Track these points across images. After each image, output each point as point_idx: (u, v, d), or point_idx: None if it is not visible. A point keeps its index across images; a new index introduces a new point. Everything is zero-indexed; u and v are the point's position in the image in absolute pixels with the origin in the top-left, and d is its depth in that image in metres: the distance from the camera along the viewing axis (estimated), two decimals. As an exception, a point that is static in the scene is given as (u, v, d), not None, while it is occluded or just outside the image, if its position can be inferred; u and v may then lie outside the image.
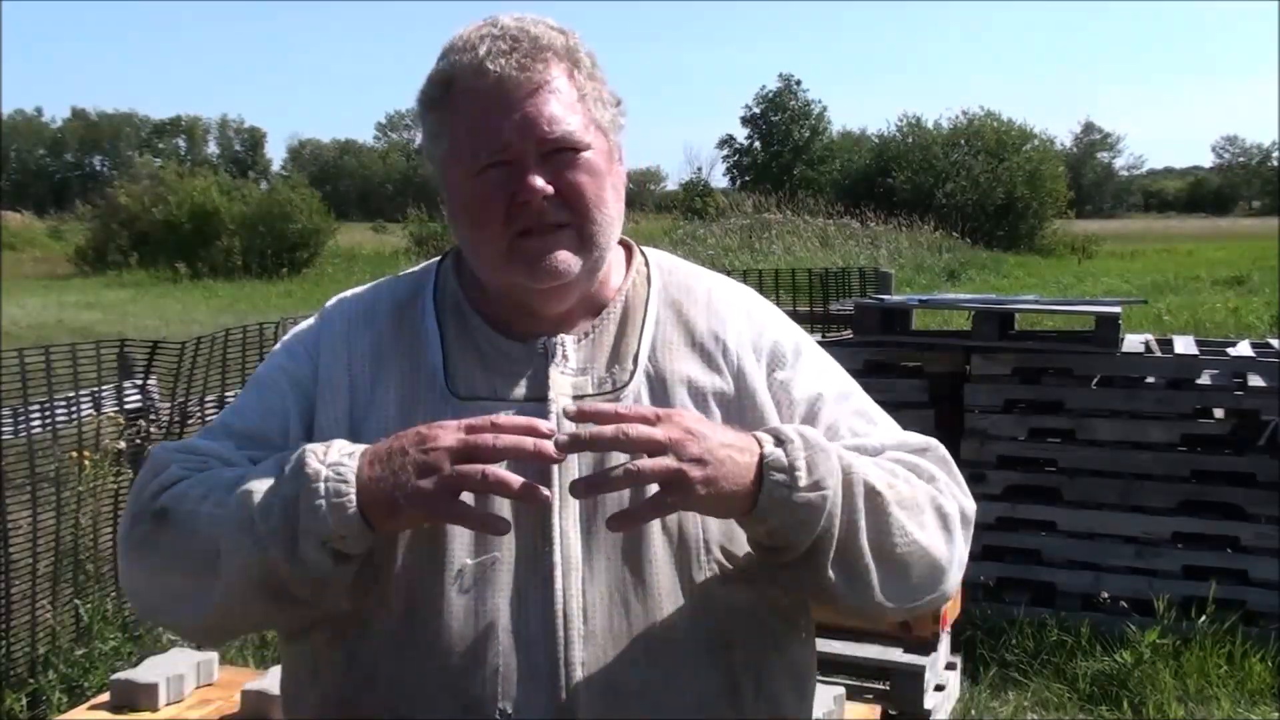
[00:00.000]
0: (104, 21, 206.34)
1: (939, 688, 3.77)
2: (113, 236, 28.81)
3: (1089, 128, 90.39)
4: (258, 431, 1.34)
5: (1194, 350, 5.05)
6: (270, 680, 2.75)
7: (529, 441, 1.14)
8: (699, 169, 54.60)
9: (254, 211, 28.47)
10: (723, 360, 1.35)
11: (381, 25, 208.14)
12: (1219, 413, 4.82)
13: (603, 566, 1.25)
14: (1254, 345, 5.36)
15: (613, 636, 1.24)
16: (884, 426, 1.42)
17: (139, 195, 29.59)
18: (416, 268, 1.47)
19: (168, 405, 4.64)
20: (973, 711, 4.15)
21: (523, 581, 1.24)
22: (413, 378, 1.33)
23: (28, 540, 4.05)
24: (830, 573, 1.22)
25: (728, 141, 59.86)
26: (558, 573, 1.24)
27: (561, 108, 1.28)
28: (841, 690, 3.08)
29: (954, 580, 1.33)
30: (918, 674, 3.57)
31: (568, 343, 1.33)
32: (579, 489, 1.17)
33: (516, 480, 1.14)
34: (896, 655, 3.61)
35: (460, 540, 1.25)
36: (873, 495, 1.24)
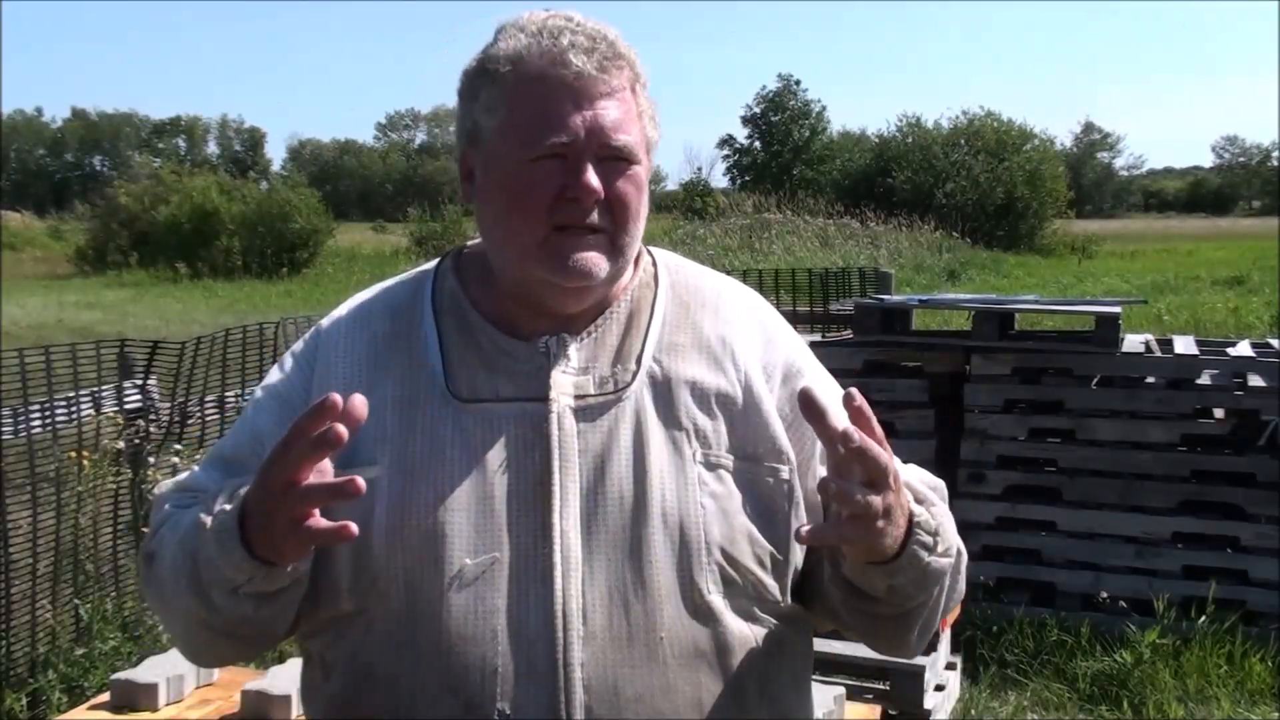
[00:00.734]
0: (104, 21, 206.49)
1: (939, 688, 3.77)
2: (113, 236, 28.82)
3: (1089, 128, 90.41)
4: (240, 455, 1.36)
5: (1194, 350, 5.05)
6: (270, 680, 2.75)
7: (334, 490, 1.12)
8: (699, 169, 54.52)
9: (254, 211, 28.47)
10: (730, 365, 1.35)
11: (381, 25, 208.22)
12: (1219, 413, 4.83)
13: (603, 567, 1.25)
14: (1254, 345, 5.37)
15: (612, 637, 1.23)
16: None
17: (139, 195, 29.61)
18: (412, 271, 1.46)
19: (168, 405, 4.64)
20: (973, 711, 4.15)
21: (522, 581, 1.24)
22: (411, 380, 1.32)
23: (28, 540, 4.05)
24: (914, 631, 1.32)
25: (728, 141, 59.86)
26: (557, 573, 1.23)
27: (626, 118, 1.28)
28: (841, 690, 3.08)
29: None
30: (918, 674, 3.57)
31: (570, 342, 1.32)
32: (803, 535, 1.17)
33: (325, 484, 1.14)
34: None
35: (460, 540, 1.24)
36: (959, 558, 1.32)
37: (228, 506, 1.20)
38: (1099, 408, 4.85)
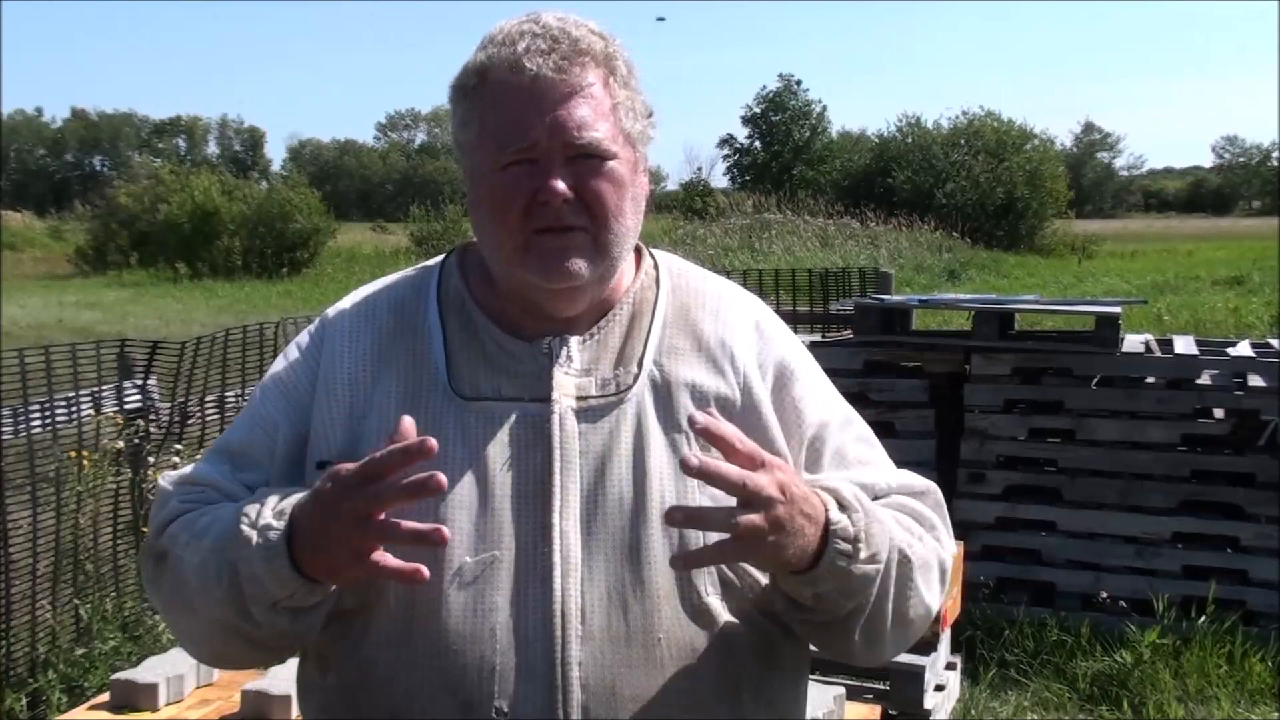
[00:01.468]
0: (104, 21, 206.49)
1: (939, 688, 3.77)
2: (113, 236, 28.82)
3: (1089, 128, 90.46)
4: (247, 448, 1.36)
5: (1194, 350, 5.05)
6: (270, 680, 2.75)
7: (412, 489, 1.12)
8: (699, 169, 54.44)
9: (254, 211, 28.47)
10: (730, 368, 1.35)
11: (381, 25, 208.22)
12: (1219, 413, 4.83)
13: (602, 567, 1.25)
14: (1254, 345, 5.37)
15: (610, 637, 1.24)
16: (880, 453, 1.43)
17: (139, 195, 29.60)
18: (417, 266, 1.47)
19: (168, 405, 4.64)
20: (973, 711, 4.15)
21: (522, 581, 1.24)
22: (415, 376, 1.32)
23: (28, 540, 4.05)
24: (856, 636, 1.28)
25: (728, 141, 59.77)
26: (556, 572, 1.24)
27: (593, 114, 1.27)
28: (841, 690, 3.08)
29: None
30: (918, 674, 3.57)
31: (572, 343, 1.33)
32: (676, 517, 1.16)
33: (406, 528, 1.14)
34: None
35: (460, 538, 1.25)
36: (904, 564, 1.29)
37: (274, 523, 1.19)
38: (1099, 408, 4.85)
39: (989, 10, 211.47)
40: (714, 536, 1.26)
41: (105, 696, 2.87)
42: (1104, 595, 4.75)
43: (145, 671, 2.88)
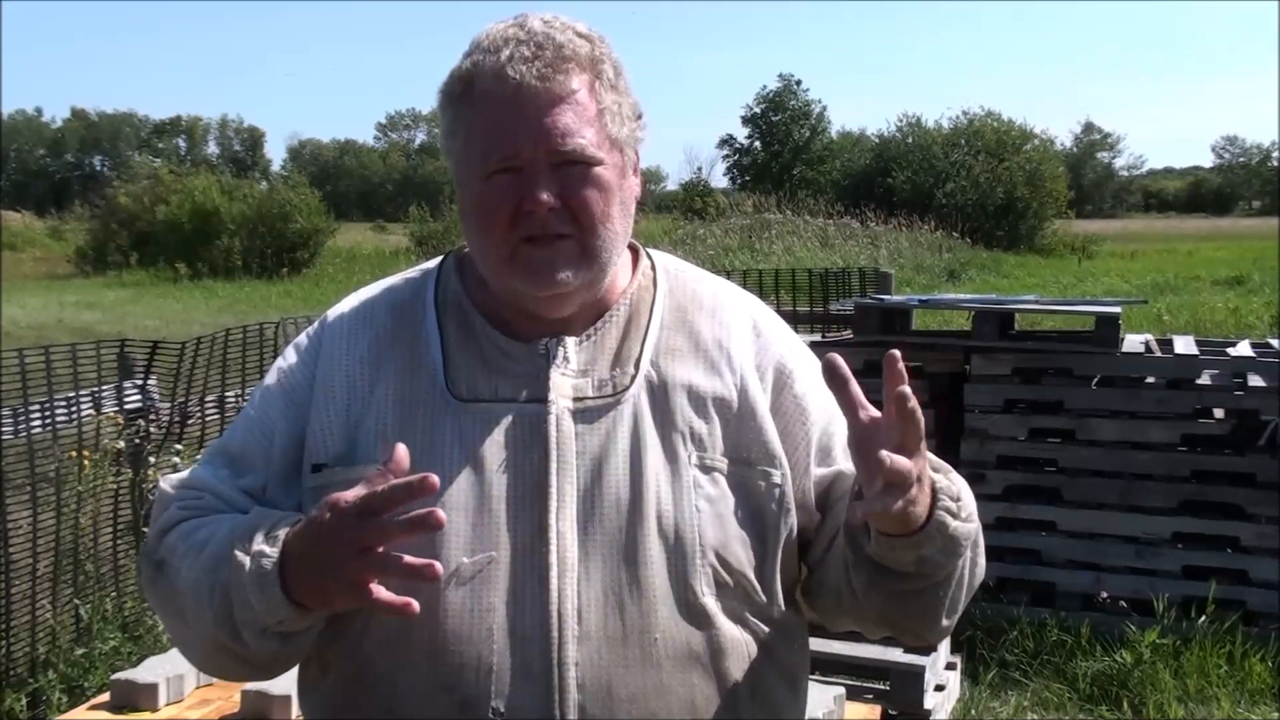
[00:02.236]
0: (104, 21, 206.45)
1: (939, 688, 3.77)
2: (113, 236, 28.83)
3: (1089, 128, 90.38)
4: (246, 450, 1.36)
5: (1194, 350, 5.05)
6: (270, 680, 2.75)
7: (414, 524, 1.12)
8: (699, 169, 54.62)
9: (254, 211, 28.48)
10: (727, 369, 1.35)
11: (381, 25, 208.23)
12: (1219, 413, 4.82)
13: (598, 568, 1.25)
14: (1254, 345, 5.37)
15: (607, 637, 1.24)
16: None
17: (139, 195, 29.61)
18: (416, 268, 1.47)
19: (168, 405, 4.64)
20: (973, 711, 4.15)
21: (519, 581, 1.24)
22: (412, 378, 1.32)
23: (28, 540, 4.05)
24: (945, 604, 1.29)
25: (728, 141, 59.81)
26: (553, 573, 1.24)
27: (577, 121, 1.27)
28: (841, 690, 3.08)
29: None
30: (918, 674, 3.57)
31: (569, 344, 1.33)
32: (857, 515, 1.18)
33: (404, 563, 1.14)
34: (896, 655, 3.60)
35: (458, 539, 1.25)
36: (979, 533, 1.31)
37: (267, 549, 1.19)
38: (1099, 408, 4.85)
39: (989, 10, 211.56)
40: (709, 534, 1.28)
41: (105, 696, 2.87)
42: (1104, 595, 4.74)
43: (145, 671, 2.88)
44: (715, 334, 1.38)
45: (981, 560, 1.34)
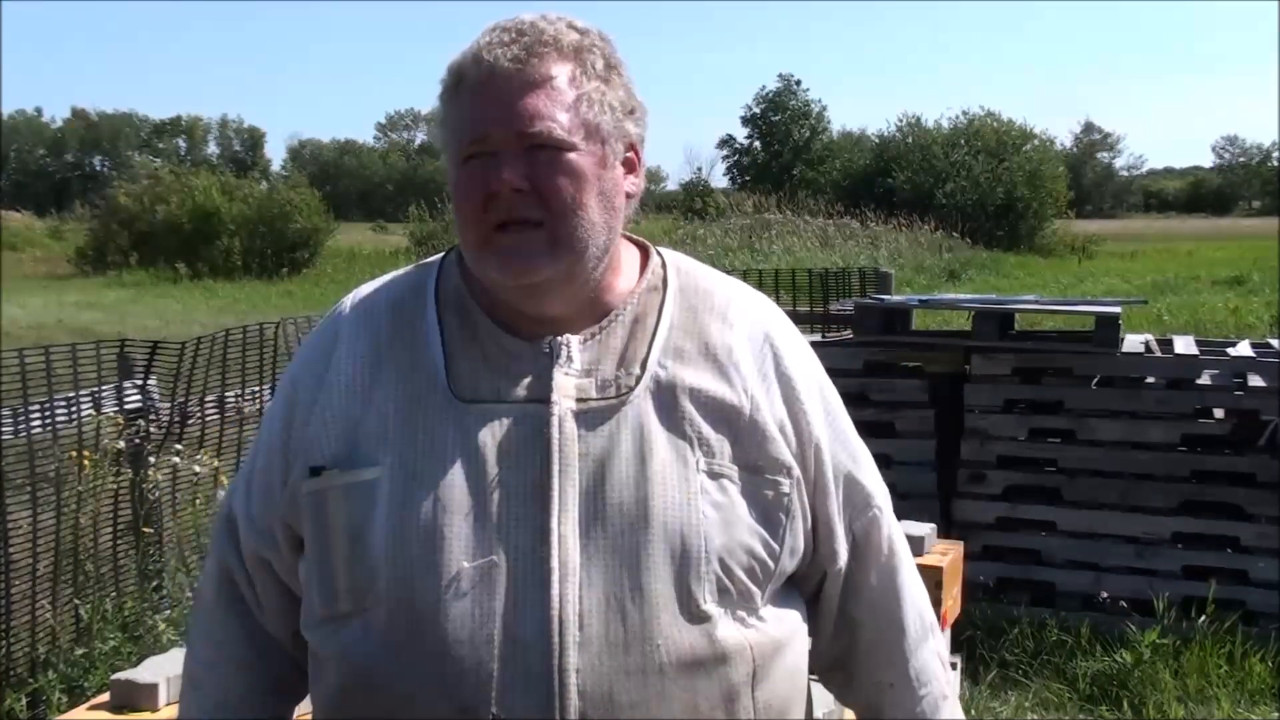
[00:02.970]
0: (104, 21, 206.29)
1: (939, 688, 3.76)
2: (113, 236, 28.77)
3: (1089, 128, 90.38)
4: (261, 471, 1.40)
5: (1194, 350, 5.05)
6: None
7: None
8: (699, 169, 54.37)
9: (254, 211, 28.45)
10: (736, 375, 1.33)
11: (381, 25, 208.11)
12: (1219, 413, 4.83)
13: (600, 573, 1.23)
14: (1254, 345, 5.37)
15: (608, 644, 1.22)
16: (865, 458, 1.44)
17: (139, 195, 29.57)
18: (417, 264, 1.45)
19: (168, 405, 4.64)
20: (973, 711, 4.15)
21: (520, 586, 1.23)
22: (413, 378, 1.31)
23: (28, 540, 4.05)
24: None
25: (728, 141, 59.76)
26: (554, 578, 1.22)
27: (550, 105, 1.25)
28: (841, 690, 3.07)
29: None
30: (918, 674, 3.57)
31: (573, 343, 1.31)
32: None
33: None
34: (896, 655, 3.61)
35: (459, 543, 1.24)
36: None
37: None
38: (1099, 408, 4.85)
39: (989, 10, 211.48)
40: (715, 540, 1.26)
41: (105, 696, 2.86)
42: (1104, 595, 4.74)
43: (145, 671, 2.87)
44: (725, 339, 1.35)
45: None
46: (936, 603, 2.23)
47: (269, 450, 1.39)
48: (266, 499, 1.38)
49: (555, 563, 1.23)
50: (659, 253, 1.42)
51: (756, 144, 57.66)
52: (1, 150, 79.99)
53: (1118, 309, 5.10)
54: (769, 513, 1.30)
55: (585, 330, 1.33)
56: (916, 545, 2.93)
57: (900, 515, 1.52)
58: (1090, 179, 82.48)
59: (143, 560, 4.45)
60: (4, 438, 3.96)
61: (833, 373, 1.48)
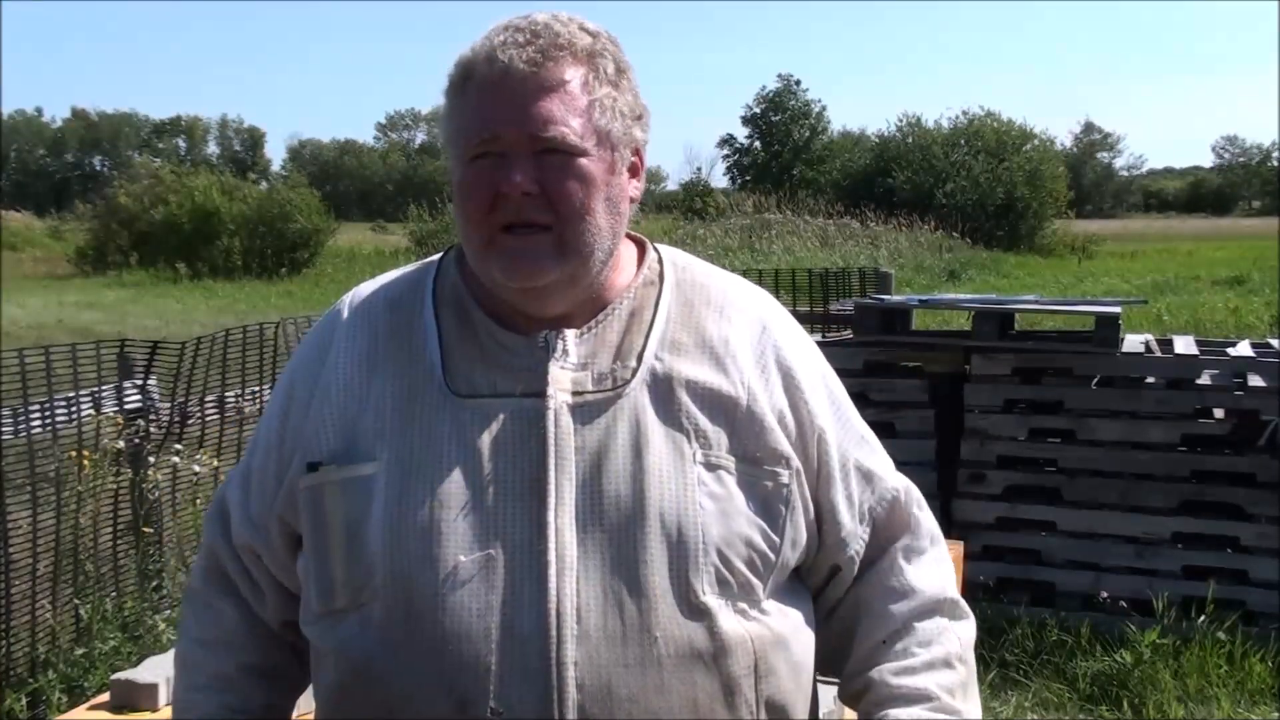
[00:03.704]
0: (104, 21, 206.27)
1: (939, 688, 3.76)
2: (113, 236, 28.78)
3: (1089, 128, 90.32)
4: (259, 469, 1.40)
5: (1194, 350, 5.05)
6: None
7: None
8: (699, 169, 54.50)
9: (254, 211, 28.45)
10: (733, 367, 1.33)
11: (381, 25, 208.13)
12: (1219, 413, 4.83)
13: (598, 566, 1.24)
14: (1254, 345, 5.37)
15: (606, 637, 1.22)
16: (877, 449, 1.44)
17: (139, 195, 29.57)
18: (416, 263, 1.46)
19: (168, 405, 4.64)
20: (973, 711, 4.14)
21: (517, 579, 1.23)
22: (410, 374, 1.32)
23: (28, 540, 4.05)
24: None
25: (728, 141, 59.74)
26: (551, 571, 1.23)
27: (563, 110, 1.26)
28: (841, 690, 3.07)
29: None
30: (918, 674, 3.57)
31: (569, 337, 1.31)
32: None
33: None
34: (896, 655, 3.61)
35: (456, 537, 1.24)
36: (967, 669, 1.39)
37: None
38: (1099, 408, 4.85)
39: (989, 10, 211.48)
40: (713, 531, 1.26)
41: (105, 696, 2.86)
42: (1104, 595, 4.74)
43: (145, 671, 2.87)
44: (722, 331, 1.36)
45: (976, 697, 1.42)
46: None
47: (266, 447, 1.40)
48: (262, 495, 1.39)
49: (552, 556, 1.23)
50: (655, 248, 1.43)
51: (756, 144, 57.66)
52: (1, 150, 79.99)
53: (1118, 309, 5.10)
54: (768, 504, 1.30)
55: (581, 324, 1.33)
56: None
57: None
58: (1090, 179, 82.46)
59: (143, 560, 4.45)
60: (4, 438, 3.96)
61: (833, 373, 1.48)
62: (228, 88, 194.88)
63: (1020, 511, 4.86)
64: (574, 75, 1.27)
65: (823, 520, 1.36)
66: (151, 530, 4.52)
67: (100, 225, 29.84)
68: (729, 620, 1.27)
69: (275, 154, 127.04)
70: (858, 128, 54.02)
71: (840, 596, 1.41)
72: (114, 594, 4.33)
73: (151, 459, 4.51)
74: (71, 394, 4.21)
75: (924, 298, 6.63)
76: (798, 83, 57.44)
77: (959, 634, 1.39)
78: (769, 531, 1.30)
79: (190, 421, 4.70)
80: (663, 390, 1.30)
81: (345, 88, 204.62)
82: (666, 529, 1.25)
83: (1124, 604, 4.68)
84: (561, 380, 1.29)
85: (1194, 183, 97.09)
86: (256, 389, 4.98)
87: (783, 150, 54.87)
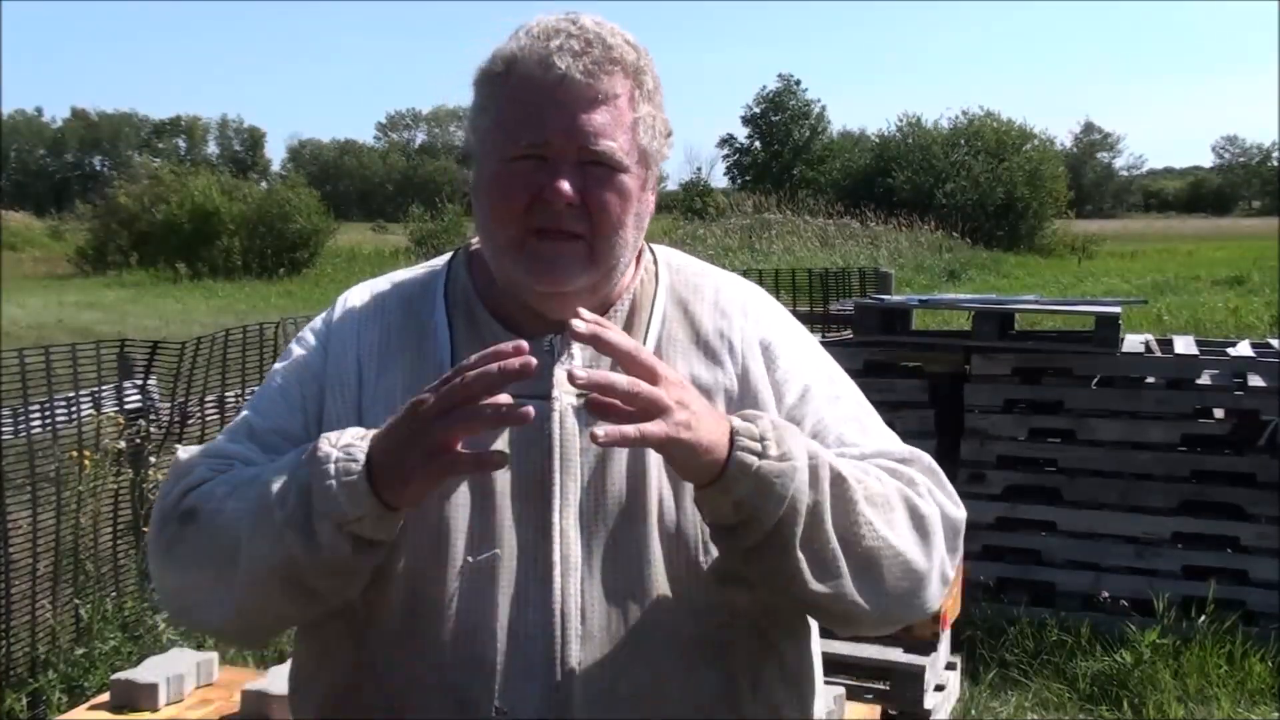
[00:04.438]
0: (104, 21, 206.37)
1: (939, 688, 3.77)
2: (113, 236, 28.79)
3: (1089, 128, 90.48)
4: (279, 429, 1.34)
5: (1194, 350, 5.05)
6: (270, 680, 2.75)
7: (494, 369, 1.12)
8: (699, 169, 54.37)
9: (254, 211, 28.46)
10: (728, 358, 1.35)
11: (381, 25, 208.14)
12: (1219, 413, 4.83)
13: (601, 566, 1.25)
14: (1254, 345, 5.37)
15: (610, 637, 1.24)
16: (877, 435, 1.39)
17: (139, 195, 29.57)
18: (427, 264, 1.47)
19: (168, 405, 4.64)
20: (973, 711, 4.15)
21: (522, 579, 1.24)
22: (420, 372, 1.32)
23: (28, 540, 4.05)
24: (799, 555, 1.18)
25: (728, 141, 59.79)
26: (556, 571, 1.24)
27: (612, 124, 1.27)
28: (841, 690, 3.08)
29: (934, 590, 1.30)
30: (918, 674, 3.57)
31: (574, 341, 1.32)
32: (597, 437, 1.11)
33: (493, 403, 1.12)
34: (896, 655, 3.61)
35: (462, 537, 1.25)
36: (839, 482, 1.21)
37: (357, 442, 1.17)
38: (1099, 408, 4.85)
39: (989, 10, 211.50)
40: (710, 538, 1.26)
41: (105, 696, 2.87)
42: (1104, 595, 4.74)
43: (145, 671, 2.88)
44: (715, 324, 1.37)
45: (876, 525, 1.23)
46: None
47: (302, 367, 1.37)
48: (289, 409, 1.35)
49: (557, 557, 1.24)
50: (650, 248, 1.44)
51: (757, 144, 57.69)
52: (1, 150, 80.00)
53: (1118, 309, 5.10)
54: None
55: None
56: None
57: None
58: (1090, 179, 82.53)
59: (143, 560, 4.44)
60: (4, 438, 3.97)
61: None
62: (228, 88, 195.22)
63: (1020, 511, 4.86)
64: (623, 90, 1.28)
65: None
66: (151, 530, 4.52)
67: (100, 225, 29.85)
68: (732, 620, 1.28)
69: (275, 154, 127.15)
70: (858, 128, 54.12)
71: None
72: (114, 594, 4.33)
73: (152, 459, 4.51)
74: (71, 394, 4.21)
75: (924, 298, 6.63)
76: (798, 83, 57.53)
77: (936, 502, 1.32)
78: None
79: (190, 421, 4.70)
80: None
81: (345, 88, 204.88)
82: (667, 529, 1.27)
83: (1124, 604, 4.68)
84: (566, 382, 1.29)
85: (1194, 183, 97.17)
86: (256, 389, 4.98)
87: (783, 150, 54.90)
